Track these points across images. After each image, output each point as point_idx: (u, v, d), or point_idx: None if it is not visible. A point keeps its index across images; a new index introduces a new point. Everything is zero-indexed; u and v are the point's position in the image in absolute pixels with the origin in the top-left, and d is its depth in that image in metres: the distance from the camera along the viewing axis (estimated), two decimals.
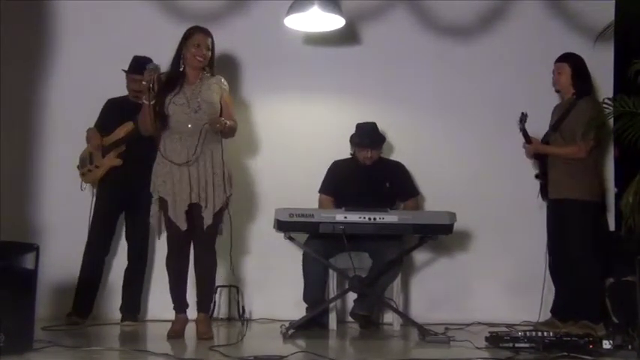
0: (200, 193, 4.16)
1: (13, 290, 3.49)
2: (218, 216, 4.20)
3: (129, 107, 4.90)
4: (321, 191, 5.08)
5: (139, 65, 4.91)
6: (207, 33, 4.30)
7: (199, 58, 4.24)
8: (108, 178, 4.92)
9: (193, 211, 4.19)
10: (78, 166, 4.99)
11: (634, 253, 4.00)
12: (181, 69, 4.27)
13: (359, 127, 5.06)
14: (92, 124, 4.97)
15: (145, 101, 4.11)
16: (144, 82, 4.08)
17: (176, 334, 4.23)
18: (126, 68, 4.98)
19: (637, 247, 4.20)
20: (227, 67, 4.95)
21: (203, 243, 4.23)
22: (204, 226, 4.16)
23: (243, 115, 4.91)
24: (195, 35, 4.27)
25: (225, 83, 4.36)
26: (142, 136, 4.54)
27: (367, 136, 5.02)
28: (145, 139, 4.61)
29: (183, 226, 4.16)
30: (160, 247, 4.53)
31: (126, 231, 5.03)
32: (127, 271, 4.98)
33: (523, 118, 4.83)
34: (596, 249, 4.67)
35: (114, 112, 4.99)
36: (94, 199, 4.93)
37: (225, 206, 4.23)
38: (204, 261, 4.26)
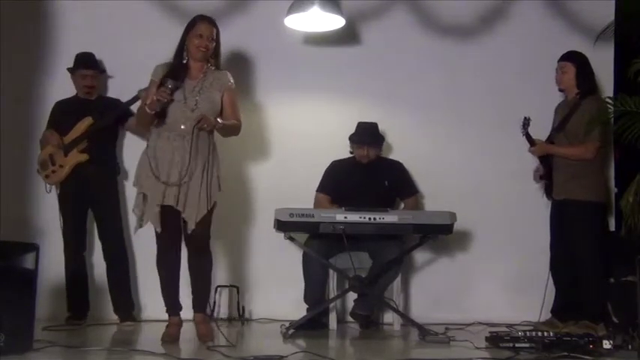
0: (180, 198, 3.92)
1: (13, 290, 3.50)
2: (206, 220, 4.00)
3: (80, 106, 4.91)
4: (318, 190, 5.07)
5: (86, 60, 4.93)
6: (211, 22, 4.08)
7: (202, 49, 4.03)
8: (68, 177, 4.83)
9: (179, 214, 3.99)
10: (38, 170, 4.91)
11: (634, 253, 4.00)
12: (185, 61, 4.09)
13: (359, 125, 5.06)
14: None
15: (148, 110, 3.94)
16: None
17: (171, 337, 4.02)
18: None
19: (637, 247, 4.19)
20: (226, 66, 4.93)
21: (193, 246, 4.06)
22: (189, 231, 3.98)
23: (241, 115, 4.89)
24: (198, 25, 4.05)
25: (231, 79, 4.15)
26: (102, 130, 4.47)
27: (366, 134, 5.02)
28: (106, 134, 4.56)
29: (157, 227, 3.98)
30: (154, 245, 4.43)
31: (98, 231, 4.97)
32: (108, 272, 4.91)
33: (526, 122, 4.82)
34: (600, 250, 4.67)
35: (65, 113, 4.93)
36: (57, 200, 4.86)
37: (211, 211, 4.01)
38: (196, 263, 4.08)
